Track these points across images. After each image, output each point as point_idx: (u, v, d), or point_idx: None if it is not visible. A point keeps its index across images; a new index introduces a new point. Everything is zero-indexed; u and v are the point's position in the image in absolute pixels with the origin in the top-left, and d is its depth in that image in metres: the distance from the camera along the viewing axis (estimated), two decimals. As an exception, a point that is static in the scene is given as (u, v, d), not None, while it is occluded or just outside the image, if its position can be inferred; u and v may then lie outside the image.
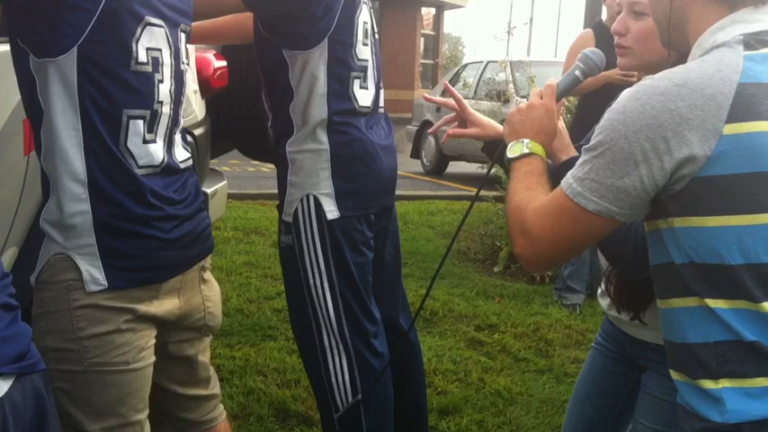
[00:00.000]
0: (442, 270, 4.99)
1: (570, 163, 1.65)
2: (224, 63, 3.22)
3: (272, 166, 2.72)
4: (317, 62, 2.34)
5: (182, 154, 1.85)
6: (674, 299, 1.35)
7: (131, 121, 1.66)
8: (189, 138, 2.77)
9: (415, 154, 11.86)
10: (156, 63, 1.70)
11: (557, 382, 3.77)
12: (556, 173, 1.65)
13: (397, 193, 2.74)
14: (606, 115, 1.33)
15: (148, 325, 1.75)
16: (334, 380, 2.44)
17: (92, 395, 1.68)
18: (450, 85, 2.35)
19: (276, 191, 2.53)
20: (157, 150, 1.73)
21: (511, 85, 9.65)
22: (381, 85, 2.59)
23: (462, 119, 2.04)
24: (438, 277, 3.07)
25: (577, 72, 1.75)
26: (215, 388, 2.02)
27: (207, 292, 1.93)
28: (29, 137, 2.06)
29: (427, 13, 24.08)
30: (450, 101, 2.06)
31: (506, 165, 1.61)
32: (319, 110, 2.37)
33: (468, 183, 10.33)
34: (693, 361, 1.33)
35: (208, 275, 1.95)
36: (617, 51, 1.77)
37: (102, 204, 1.64)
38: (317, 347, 2.44)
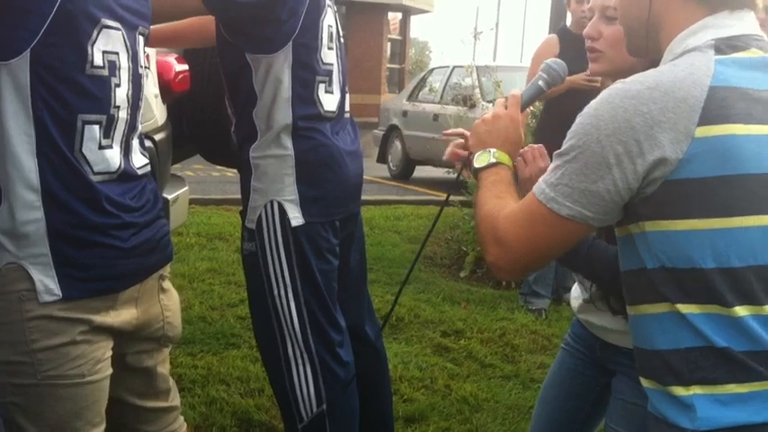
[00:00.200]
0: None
1: None
2: (186, 67, 3.17)
3: (237, 171, 2.68)
4: (282, 66, 2.31)
5: (139, 160, 1.81)
6: (645, 305, 1.35)
7: (87, 127, 1.61)
8: (149, 143, 2.72)
9: (382, 158, 11.86)
10: (113, 67, 1.66)
11: (523, 388, 3.76)
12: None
13: (363, 197, 2.71)
14: (578, 119, 1.32)
15: (105, 336, 1.70)
16: (298, 390, 2.40)
17: (45, 409, 1.63)
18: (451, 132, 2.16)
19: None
20: (114, 156, 1.69)
21: (477, 90, 9.66)
22: (347, 89, 2.56)
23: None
24: (404, 283, 3.05)
25: (541, 82, 1.77)
26: (175, 400, 1.98)
27: (166, 302, 1.89)
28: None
29: (394, 17, 24.16)
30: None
31: (473, 175, 1.61)
32: (283, 115, 2.34)
33: (435, 187, 10.34)
34: (664, 368, 1.32)
35: (167, 284, 1.91)
36: (589, 56, 1.77)
37: (56, 212, 1.59)
38: (281, 357, 2.41)
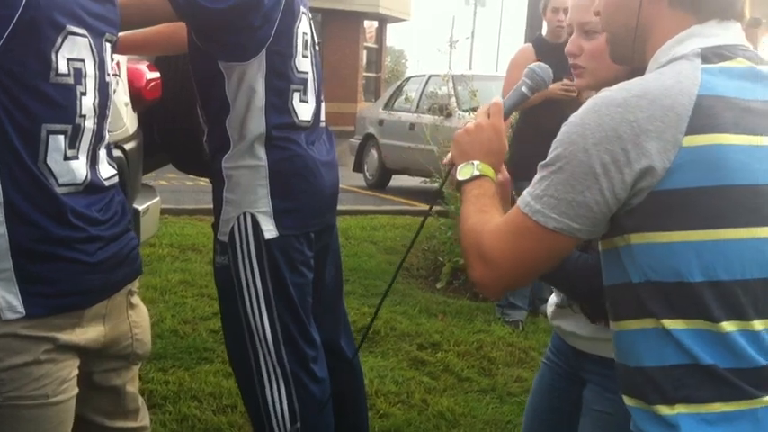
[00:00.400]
0: (384, 287, 4.91)
1: None
2: (158, 74, 3.12)
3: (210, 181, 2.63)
4: (255, 74, 2.27)
5: (107, 171, 1.75)
6: (629, 320, 1.32)
7: (51, 137, 1.56)
8: (119, 153, 2.66)
9: (358, 168, 11.84)
10: (79, 75, 1.60)
11: (500, 402, 3.72)
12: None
13: (339, 207, 2.67)
14: (563, 129, 1.29)
15: (71, 355, 1.65)
16: (272, 407, 2.35)
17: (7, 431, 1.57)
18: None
19: (214, 206, 2.44)
20: (80, 167, 1.63)
21: (453, 99, 9.64)
22: (323, 98, 2.52)
23: None
24: (380, 294, 3.00)
25: (524, 88, 1.71)
26: (144, 419, 1.93)
27: (135, 318, 1.84)
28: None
29: (370, 25, 24.19)
30: None
31: (456, 187, 1.57)
32: (257, 124, 2.29)
33: (412, 197, 10.31)
34: (649, 385, 1.29)
35: (136, 300, 1.86)
36: (573, 72, 1.76)
37: (19, 226, 1.53)
38: (254, 373, 2.35)
